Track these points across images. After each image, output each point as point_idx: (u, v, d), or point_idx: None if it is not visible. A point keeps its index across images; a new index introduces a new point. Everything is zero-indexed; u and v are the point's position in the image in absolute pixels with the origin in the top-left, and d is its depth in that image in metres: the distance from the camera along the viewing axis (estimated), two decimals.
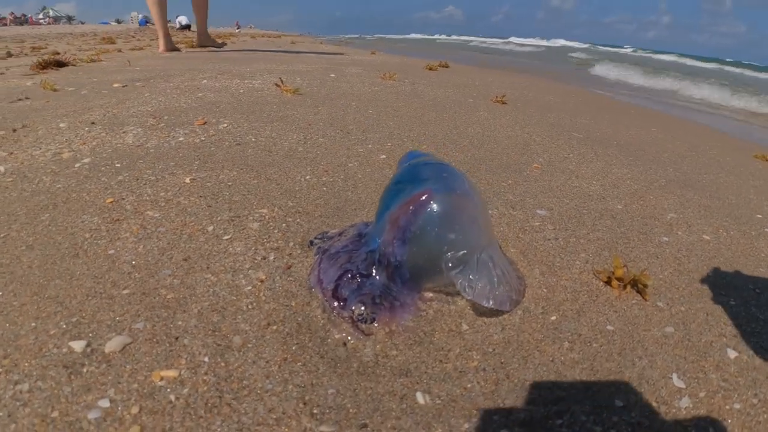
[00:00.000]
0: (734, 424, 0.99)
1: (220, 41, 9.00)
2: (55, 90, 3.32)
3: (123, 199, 1.68)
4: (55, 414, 0.85)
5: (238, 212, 1.62)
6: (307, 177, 1.99)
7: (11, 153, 2.19)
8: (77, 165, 2.01)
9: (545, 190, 2.19)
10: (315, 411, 0.90)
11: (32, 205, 1.65)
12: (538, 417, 0.95)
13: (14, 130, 2.54)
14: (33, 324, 1.07)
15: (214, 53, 7.25)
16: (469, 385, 1.02)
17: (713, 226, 2.04)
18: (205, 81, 3.90)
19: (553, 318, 1.28)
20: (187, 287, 1.21)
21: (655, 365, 1.14)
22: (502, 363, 1.09)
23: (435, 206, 1.15)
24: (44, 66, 3.99)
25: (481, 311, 1.24)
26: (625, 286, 1.47)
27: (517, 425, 0.93)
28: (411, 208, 1.13)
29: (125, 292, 1.18)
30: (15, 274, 1.26)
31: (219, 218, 1.58)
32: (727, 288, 1.55)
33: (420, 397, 0.97)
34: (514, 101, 4.55)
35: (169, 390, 0.91)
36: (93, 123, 2.60)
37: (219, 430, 0.84)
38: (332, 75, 4.82)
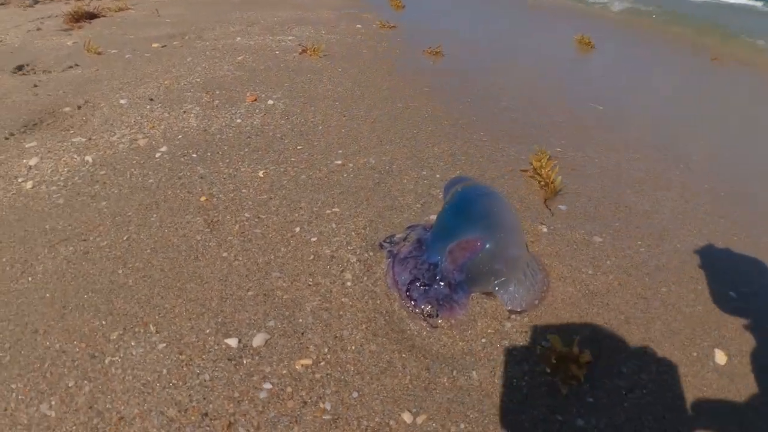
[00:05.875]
0: None
1: None
2: (99, 53, 3.43)
3: (214, 196, 1.98)
4: (237, 395, 1.25)
5: (317, 211, 1.92)
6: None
7: (89, 139, 2.43)
8: (157, 155, 2.27)
9: None
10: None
11: (136, 204, 1.95)
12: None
13: (79, 107, 2.75)
14: (189, 324, 1.44)
15: None
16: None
17: None
18: (239, 38, 3.93)
19: None
20: (297, 289, 1.56)
21: None
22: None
23: (485, 251, 1.49)
24: (77, 19, 4.03)
25: None
26: None
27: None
28: (467, 253, 1.48)
29: (250, 293, 1.54)
30: (153, 278, 1.60)
31: (301, 217, 1.88)
32: None
33: None
34: None
35: (310, 373, 1.30)
36: (151, 99, 2.79)
37: (356, 394, 1.24)
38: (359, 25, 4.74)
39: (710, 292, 1.80)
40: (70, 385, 1.26)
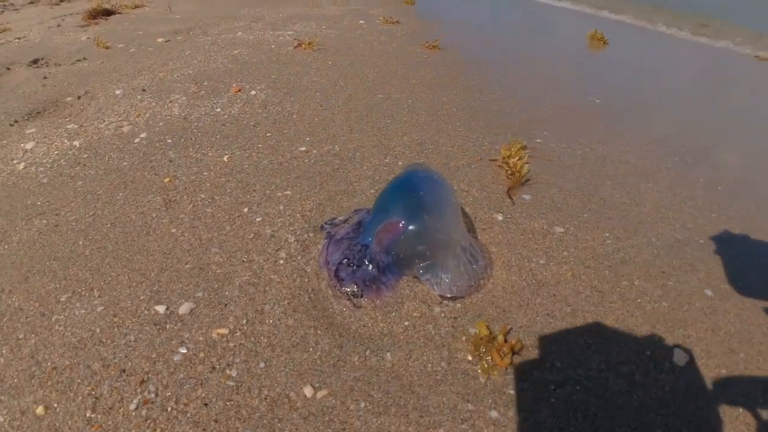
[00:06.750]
0: None
1: None
2: (107, 48, 3.65)
3: (177, 178, 2.08)
4: (154, 355, 1.33)
5: (269, 193, 1.99)
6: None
7: (81, 125, 2.60)
8: (136, 141, 2.41)
9: None
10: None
11: (107, 184, 2.08)
12: None
13: (79, 97, 2.94)
14: (128, 291, 1.54)
15: None
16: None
17: None
18: (240, 33, 4.07)
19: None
20: (231, 265, 1.63)
21: None
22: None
23: (407, 232, 1.51)
24: (94, 16, 4.31)
25: None
26: None
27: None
28: (390, 235, 1.51)
29: (187, 266, 1.62)
30: (107, 249, 1.72)
31: (252, 199, 1.95)
32: None
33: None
34: None
35: (224, 342, 1.36)
36: (144, 90, 2.95)
37: (263, 365, 1.29)
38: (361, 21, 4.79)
39: (682, 288, 1.71)
40: (20, 337, 1.39)
